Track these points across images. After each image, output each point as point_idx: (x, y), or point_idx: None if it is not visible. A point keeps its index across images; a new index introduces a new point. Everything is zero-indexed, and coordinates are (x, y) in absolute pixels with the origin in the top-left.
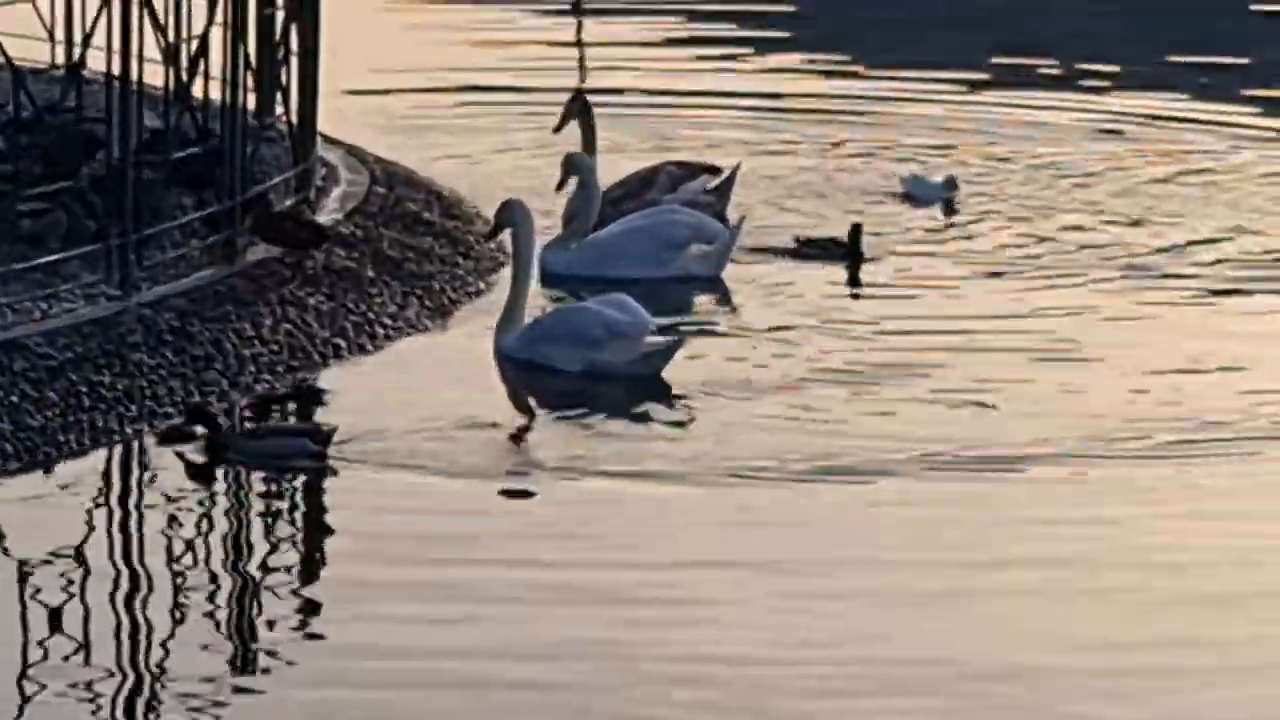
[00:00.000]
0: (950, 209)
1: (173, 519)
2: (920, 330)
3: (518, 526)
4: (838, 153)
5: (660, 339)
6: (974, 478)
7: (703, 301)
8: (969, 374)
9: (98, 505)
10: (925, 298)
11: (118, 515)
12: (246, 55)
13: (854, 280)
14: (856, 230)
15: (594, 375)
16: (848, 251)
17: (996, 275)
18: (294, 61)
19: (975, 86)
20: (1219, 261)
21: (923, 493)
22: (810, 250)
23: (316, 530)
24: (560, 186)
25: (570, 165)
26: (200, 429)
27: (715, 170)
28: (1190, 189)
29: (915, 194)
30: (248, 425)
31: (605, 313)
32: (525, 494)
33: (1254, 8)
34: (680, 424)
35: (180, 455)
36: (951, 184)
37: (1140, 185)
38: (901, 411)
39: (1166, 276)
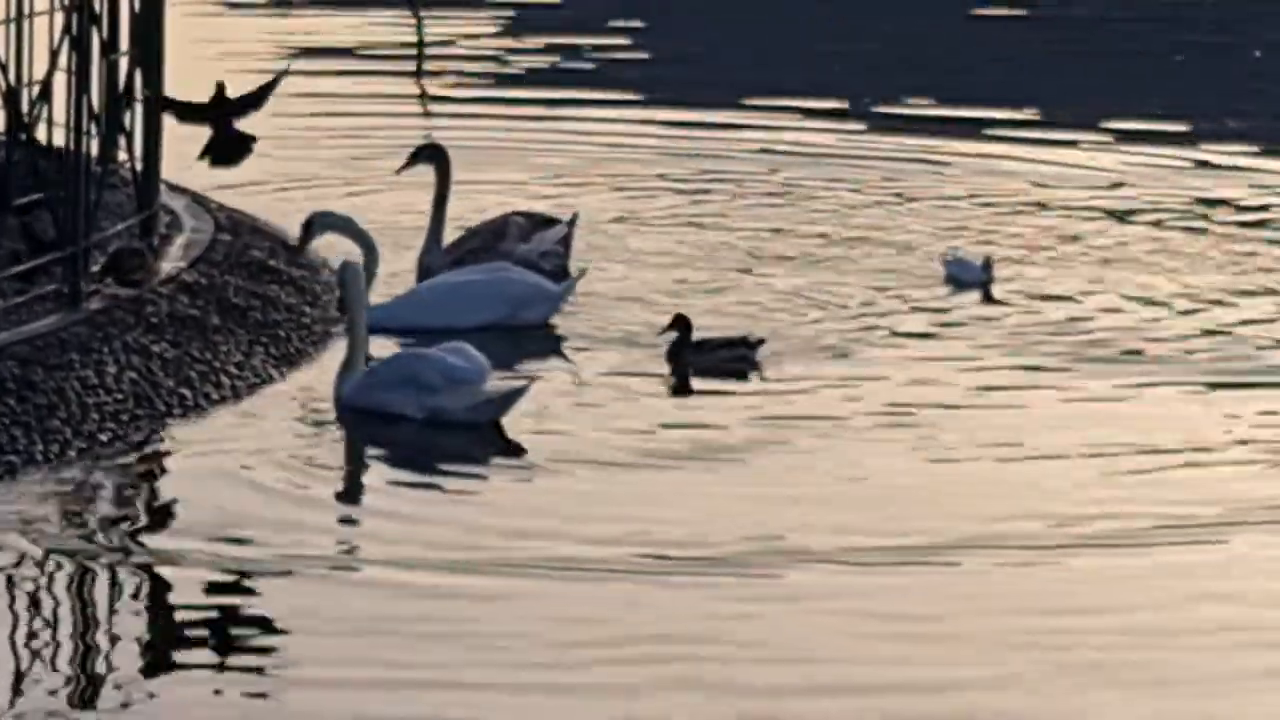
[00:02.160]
0: (988, 293)
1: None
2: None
3: (340, 623)
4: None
5: (501, 386)
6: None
7: (536, 352)
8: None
9: None
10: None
11: None
12: (89, 100)
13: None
14: (681, 323)
15: (433, 422)
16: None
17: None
18: (138, 107)
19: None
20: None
21: (765, 587)
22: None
23: (119, 615)
24: (300, 248)
25: (317, 224)
26: None
27: (554, 221)
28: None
29: (958, 277)
30: None
31: (444, 358)
32: (352, 585)
33: None
34: (521, 496)
35: None
36: (989, 265)
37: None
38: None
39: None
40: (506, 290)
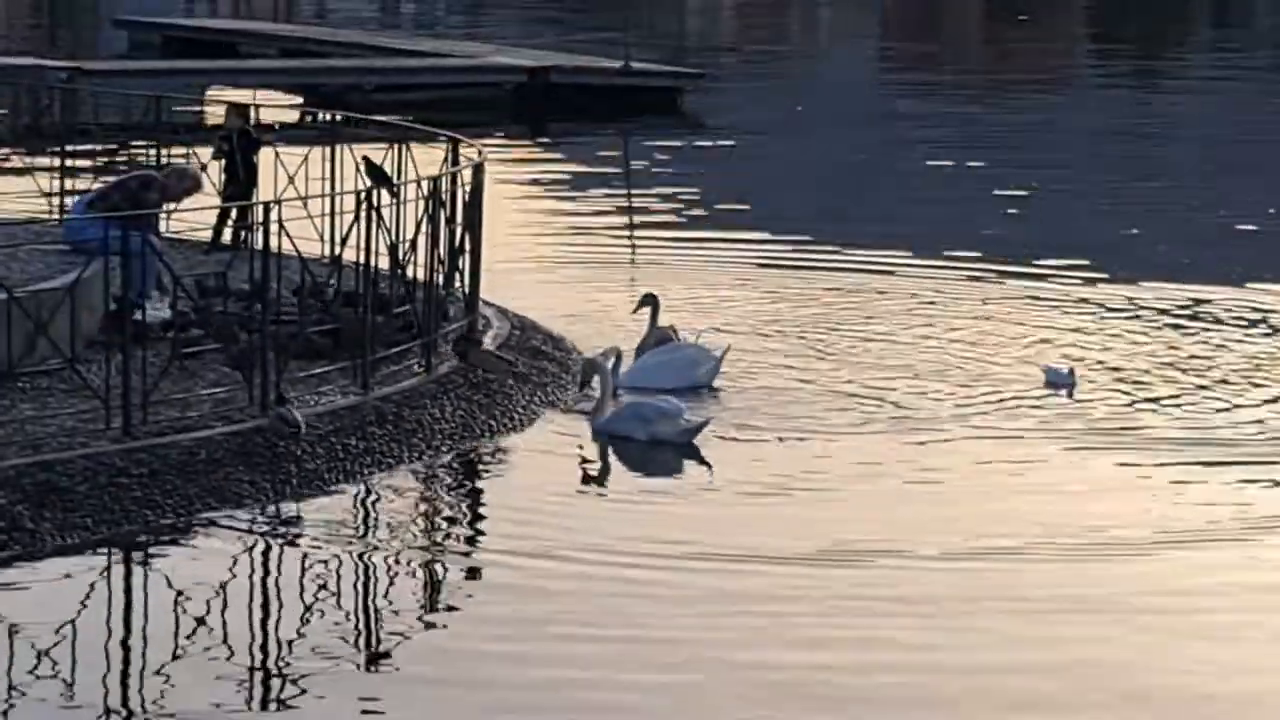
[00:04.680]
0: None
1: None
2: None
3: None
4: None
5: (693, 420)
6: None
7: (709, 402)
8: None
9: (346, 514)
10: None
11: (359, 521)
12: (439, 251)
13: None
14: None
15: (654, 441)
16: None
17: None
18: (466, 256)
19: None
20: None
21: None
22: None
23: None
24: (582, 387)
25: (589, 367)
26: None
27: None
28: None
29: (1056, 383)
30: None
31: (657, 404)
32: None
33: None
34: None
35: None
36: (1072, 372)
37: None
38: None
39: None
40: (692, 356)
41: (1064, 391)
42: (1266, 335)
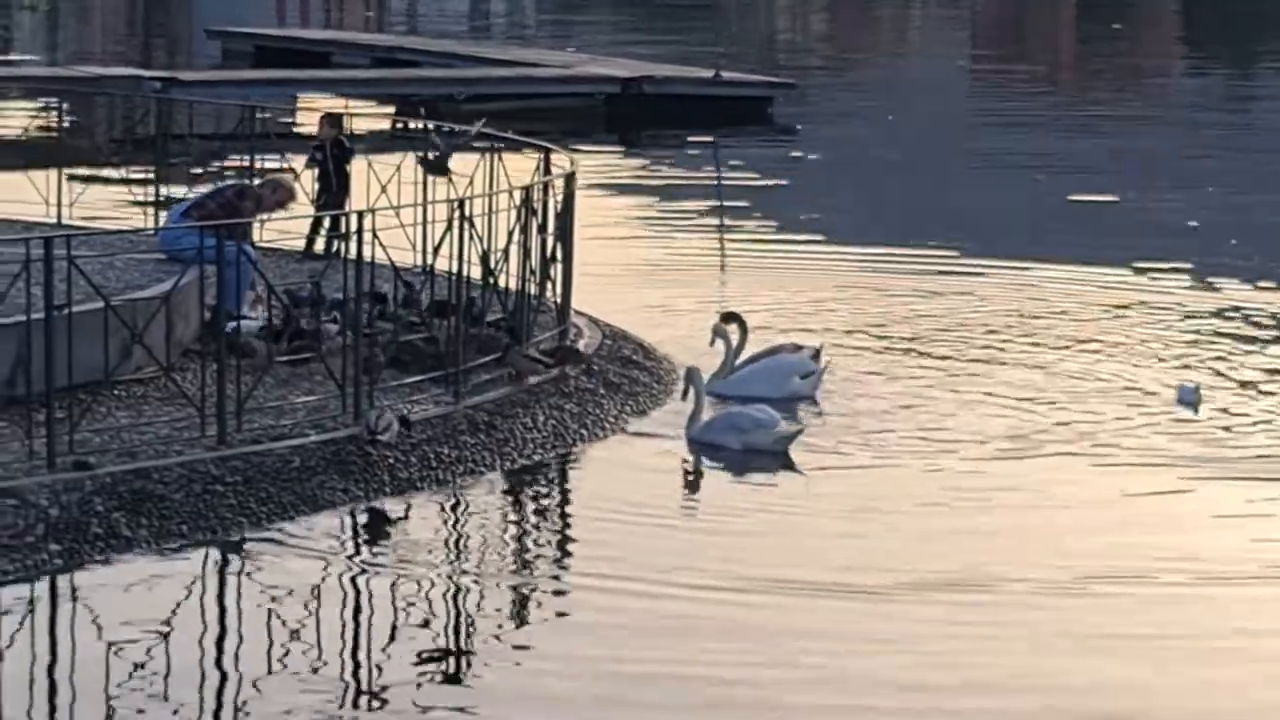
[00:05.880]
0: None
1: (489, 533)
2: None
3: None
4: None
5: (787, 429)
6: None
7: (808, 412)
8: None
9: (437, 522)
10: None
11: (450, 529)
12: (530, 260)
13: None
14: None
15: (748, 450)
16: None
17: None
18: (559, 265)
19: None
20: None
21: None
22: None
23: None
24: (685, 394)
25: (690, 374)
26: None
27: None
28: None
29: (1185, 401)
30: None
31: (752, 413)
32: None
33: None
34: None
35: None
36: (1198, 390)
37: None
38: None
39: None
40: (793, 366)
41: (1189, 409)
42: None
